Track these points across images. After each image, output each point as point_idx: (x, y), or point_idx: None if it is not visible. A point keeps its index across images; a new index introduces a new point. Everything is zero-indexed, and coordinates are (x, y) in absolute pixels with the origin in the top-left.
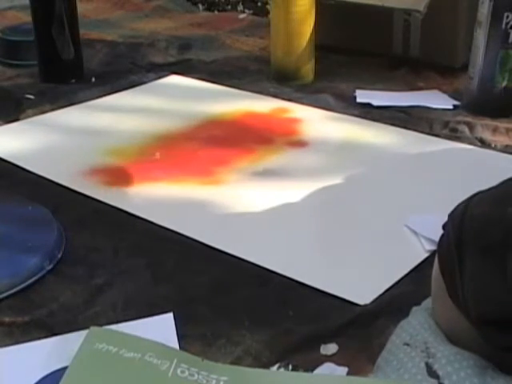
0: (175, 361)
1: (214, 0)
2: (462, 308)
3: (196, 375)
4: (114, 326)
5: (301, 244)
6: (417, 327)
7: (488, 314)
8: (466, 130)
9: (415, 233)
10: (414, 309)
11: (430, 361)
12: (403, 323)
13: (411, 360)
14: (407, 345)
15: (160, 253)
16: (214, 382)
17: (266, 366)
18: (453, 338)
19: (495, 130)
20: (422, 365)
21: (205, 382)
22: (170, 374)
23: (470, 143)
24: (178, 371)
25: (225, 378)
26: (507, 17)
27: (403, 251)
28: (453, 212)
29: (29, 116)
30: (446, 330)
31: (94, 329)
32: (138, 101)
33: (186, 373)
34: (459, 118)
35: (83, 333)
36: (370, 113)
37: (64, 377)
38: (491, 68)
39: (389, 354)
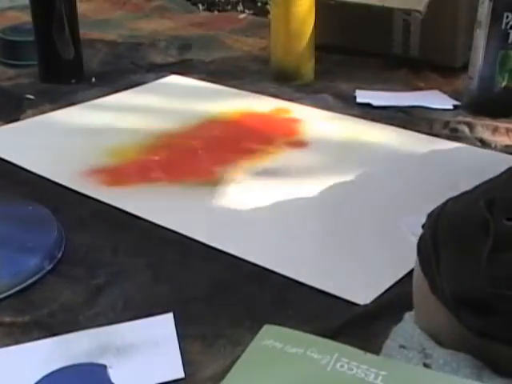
0: (336, 355)
1: (213, 0)
2: (441, 298)
3: (355, 369)
4: (114, 326)
5: (301, 244)
6: (410, 331)
7: (463, 297)
8: (466, 130)
9: (413, 233)
10: (407, 314)
11: (428, 361)
12: (396, 329)
13: (409, 361)
14: (403, 347)
15: (160, 253)
16: (372, 375)
17: None
18: (438, 339)
19: (495, 130)
20: (420, 366)
21: (363, 375)
22: (329, 369)
23: (470, 143)
24: (338, 365)
25: (384, 373)
26: (507, 17)
27: (403, 251)
28: (431, 213)
29: (29, 116)
30: (432, 333)
31: (266, 327)
32: (138, 101)
33: (345, 367)
34: (459, 118)
35: (83, 333)
36: (369, 113)
37: (231, 370)
38: (491, 68)
39: (386, 357)
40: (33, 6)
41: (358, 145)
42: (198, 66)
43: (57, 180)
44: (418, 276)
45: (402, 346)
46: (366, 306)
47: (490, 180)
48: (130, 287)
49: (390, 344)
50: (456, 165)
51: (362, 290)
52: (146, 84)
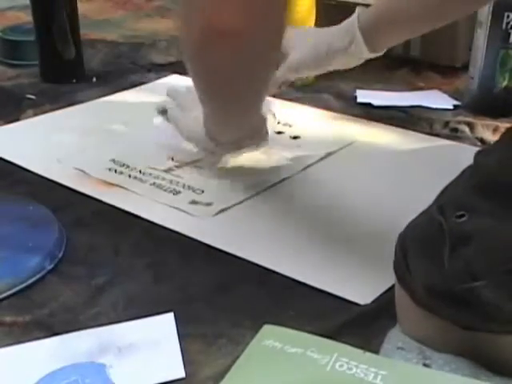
0: (335, 355)
1: None
2: (419, 302)
3: (354, 369)
4: (114, 326)
5: (301, 243)
6: (406, 335)
7: (437, 295)
8: (467, 129)
9: None
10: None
11: (427, 362)
12: (391, 333)
13: (408, 362)
14: (401, 349)
15: (160, 252)
16: (372, 375)
17: None
18: (429, 345)
19: (495, 130)
20: (420, 366)
21: (363, 375)
22: (328, 368)
23: (471, 143)
24: (337, 365)
25: (383, 372)
26: (507, 17)
27: None
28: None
29: (29, 116)
30: (421, 341)
31: (266, 327)
32: (139, 101)
33: (345, 366)
34: (459, 118)
35: (83, 333)
36: (369, 113)
37: (231, 370)
38: (491, 68)
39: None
40: (33, 6)
41: (357, 145)
42: None
43: (57, 180)
44: (398, 290)
45: (400, 348)
46: (365, 305)
47: (446, 186)
48: (131, 287)
49: (387, 347)
50: (456, 165)
51: (362, 290)
52: (147, 84)
